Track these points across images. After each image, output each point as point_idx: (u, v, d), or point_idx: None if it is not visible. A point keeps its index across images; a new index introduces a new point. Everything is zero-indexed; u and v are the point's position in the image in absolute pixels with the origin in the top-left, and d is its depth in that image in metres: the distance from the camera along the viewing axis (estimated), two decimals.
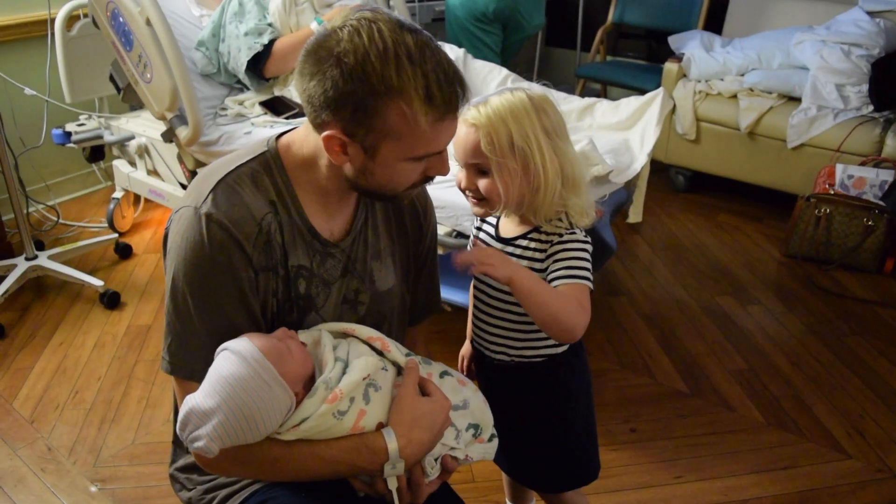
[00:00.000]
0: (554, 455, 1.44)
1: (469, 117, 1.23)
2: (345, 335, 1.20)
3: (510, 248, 1.32)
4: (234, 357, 1.03)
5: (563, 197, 1.26)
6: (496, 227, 1.38)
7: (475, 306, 1.43)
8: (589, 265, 1.26)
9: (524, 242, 1.31)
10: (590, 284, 1.25)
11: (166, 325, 1.14)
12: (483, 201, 1.28)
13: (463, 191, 1.31)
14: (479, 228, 1.43)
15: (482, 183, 1.26)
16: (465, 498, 1.34)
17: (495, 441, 1.25)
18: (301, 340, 1.14)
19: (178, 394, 1.15)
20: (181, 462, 1.34)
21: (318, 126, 1.07)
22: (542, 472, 1.48)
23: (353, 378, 1.09)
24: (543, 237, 1.29)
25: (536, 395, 1.40)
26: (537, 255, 1.29)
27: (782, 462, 2.12)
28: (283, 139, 1.19)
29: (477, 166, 1.25)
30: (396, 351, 1.19)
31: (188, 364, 1.12)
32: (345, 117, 1.03)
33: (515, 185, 1.23)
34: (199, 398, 1.01)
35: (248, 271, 1.12)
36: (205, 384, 1.03)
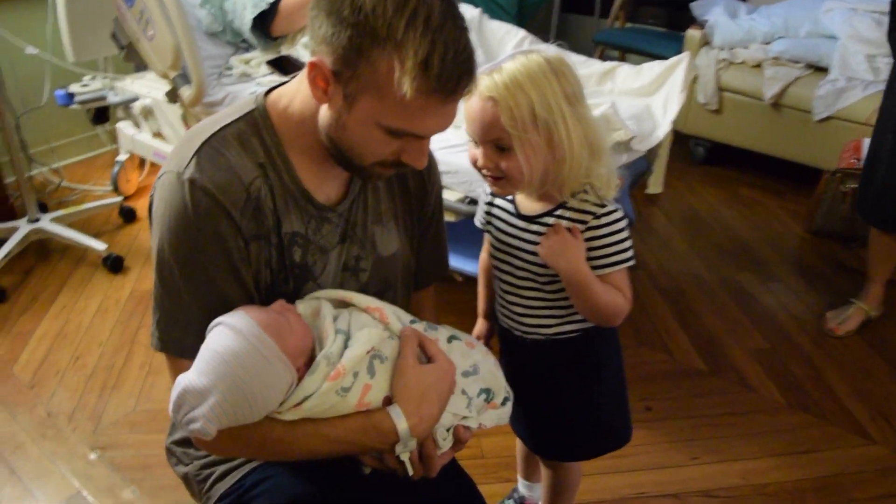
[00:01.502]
0: (585, 423, 1.39)
1: (483, 88, 1.12)
2: (344, 304, 1.12)
3: (535, 227, 1.24)
4: (229, 332, 0.96)
5: (589, 168, 1.17)
6: (514, 202, 1.29)
7: (500, 287, 1.35)
8: (629, 243, 1.20)
9: (552, 221, 1.22)
10: (631, 263, 1.19)
11: (154, 299, 1.07)
12: (502, 180, 1.19)
13: (479, 169, 1.21)
14: (490, 203, 1.34)
15: (502, 160, 1.16)
16: (475, 475, 1.29)
17: (509, 405, 1.18)
18: (299, 312, 1.07)
19: (169, 372, 1.08)
20: (178, 436, 1.28)
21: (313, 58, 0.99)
22: (571, 442, 1.42)
23: (356, 352, 1.01)
24: (574, 215, 1.20)
25: (569, 367, 1.35)
26: None
27: (803, 446, 2.04)
28: (273, 94, 1.11)
29: (495, 142, 1.15)
30: (396, 321, 1.11)
31: (179, 340, 1.05)
32: (336, 51, 0.94)
33: (539, 160, 1.14)
34: (193, 377, 0.94)
35: (238, 240, 1.04)
36: (198, 362, 0.96)
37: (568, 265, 1.17)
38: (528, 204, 1.26)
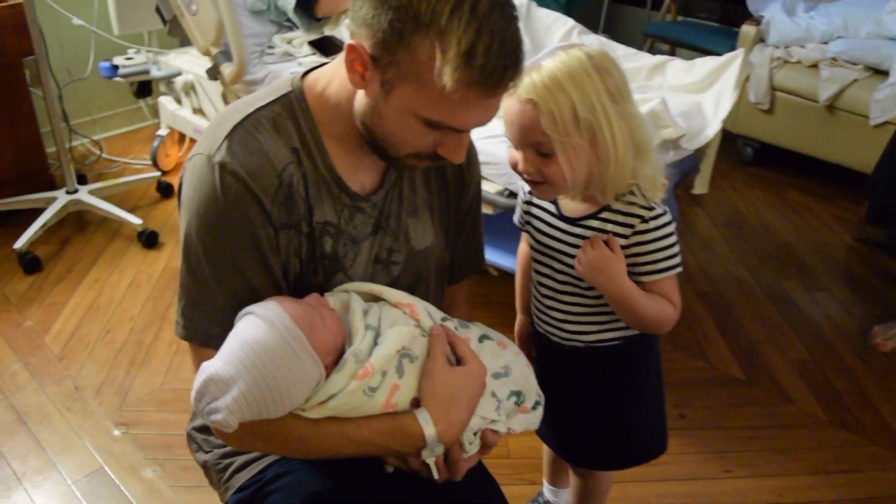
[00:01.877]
0: (621, 432, 1.35)
1: (521, 90, 1.06)
2: (375, 298, 1.08)
3: (578, 230, 1.18)
4: (260, 322, 0.92)
5: (635, 168, 1.11)
6: (556, 202, 1.23)
7: (539, 291, 1.29)
8: (677, 248, 1.14)
9: (596, 224, 1.16)
10: (679, 270, 1.14)
11: (180, 285, 1.03)
12: (543, 185, 1.13)
13: (519, 173, 1.15)
14: (530, 203, 1.28)
15: (544, 166, 1.10)
16: (499, 475, 1.24)
17: (540, 409, 1.13)
18: (330, 305, 1.03)
19: (193, 361, 1.05)
20: (199, 422, 1.26)
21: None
22: (606, 451, 1.38)
23: (386, 351, 0.98)
24: (620, 218, 1.14)
25: (608, 375, 1.30)
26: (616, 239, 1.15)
27: (843, 465, 1.96)
28: (310, 76, 1.06)
29: (536, 147, 1.09)
30: (427, 318, 1.07)
31: (204, 329, 1.02)
32: (376, 35, 0.89)
33: (583, 163, 1.08)
34: (219, 365, 0.91)
35: (267, 228, 1.00)
36: (224, 350, 0.92)
37: (609, 283, 1.13)
38: (571, 205, 1.20)
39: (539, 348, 1.35)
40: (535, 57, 1.09)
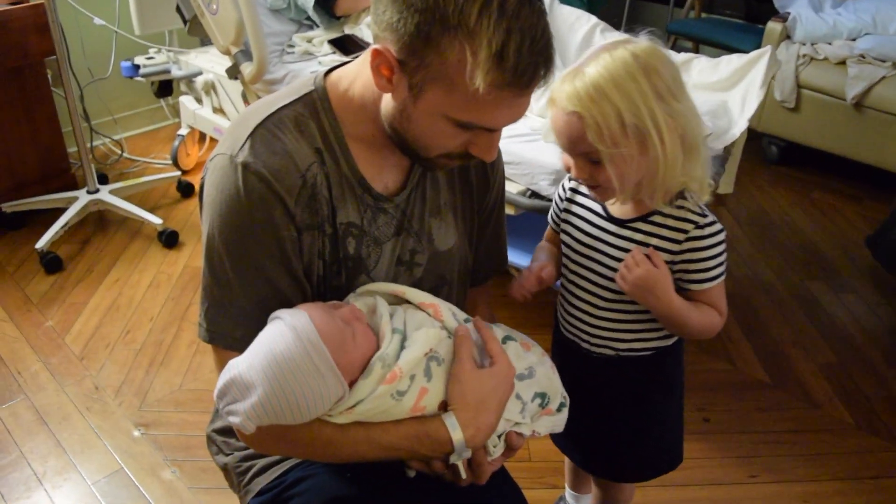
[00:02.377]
0: (646, 444, 1.32)
1: (565, 100, 1.02)
2: (398, 299, 1.06)
3: (627, 232, 1.15)
4: (288, 333, 0.90)
5: (685, 167, 1.07)
6: (603, 203, 1.19)
7: (572, 295, 1.26)
8: (725, 256, 1.11)
9: (647, 227, 1.13)
10: (724, 276, 1.12)
11: (202, 288, 1.02)
12: (598, 188, 1.11)
13: (574, 179, 1.14)
14: (571, 201, 1.24)
15: (595, 172, 1.07)
16: (521, 479, 1.23)
17: (565, 411, 1.11)
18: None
19: (216, 363, 1.04)
20: (220, 424, 1.25)
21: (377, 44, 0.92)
22: (629, 463, 1.35)
23: (414, 355, 0.96)
24: (671, 223, 1.11)
25: (639, 386, 1.26)
26: (667, 244, 1.11)
27: (871, 471, 1.92)
28: (333, 75, 1.05)
29: (586, 156, 1.07)
30: (451, 319, 1.05)
31: (228, 332, 1.00)
32: (403, 38, 0.87)
33: (633, 170, 1.05)
34: (244, 368, 0.90)
35: (291, 230, 0.99)
36: (251, 354, 0.91)
37: (657, 301, 1.10)
38: (619, 206, 1.17)
39: (563, 356, 1.30)
40: (579, 59, 1.06)
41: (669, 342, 1.24)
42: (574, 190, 1.24)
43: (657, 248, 1.11)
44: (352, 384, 0.94)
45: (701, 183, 1.09)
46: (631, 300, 1.16)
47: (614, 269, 1.15)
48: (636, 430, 1.30)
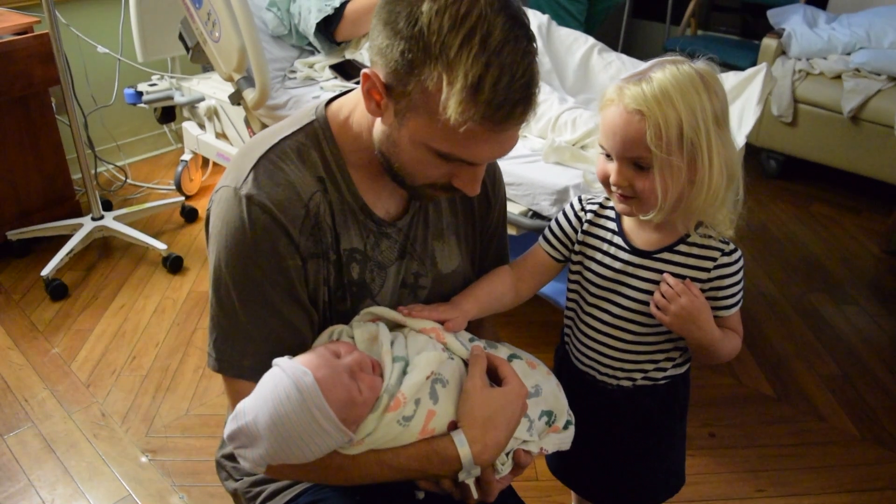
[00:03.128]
0: (656, 471, 1.32)
1: (629, 98, 1.01)
2: (399, 325, 1.08)
3: (654, 264, 1.12)
4: (292, 390, 0.88)
5: (725, 198, 1.06)
6: (622, 233, 1.16)
7: (588, 328, 1.22)
8: (743, 283, 1.13)
9: (674, 258, 1.11)
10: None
11: (210, 318, 1.03)
12: (632, 199, 1.07)
13: (607, 184, 1.10)
14: (587, 233, 1.20)
15: (637, 180, 1.04)
16: (527, 497, 1.23)
17: (571, 429, 1.13)
18: (355, 337, 1.02)
19: (227, 393, 1.05)
20: (228, 449, 1.24)
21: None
22: (634, 493, 1.34)
23: (416, 379, 0.97)
24: (698, 251, 1.10)
25: (653, 415, 1.25)
26: (697, 273, 1.10)
27: (879, 482, 1.92)
28: (334, 105, 1.07)
29: (635, 160, 1.03)
30: (455, 341, 1.06)
31: (236, 362, 1.02)
32: (390, 64, 0.89)
33: (678, 184, 1.02)
34: (250, 417, 0.90)
35: (296, 259, 1.00)
36: (258, 405, 0.90)
37: (700, 332, 1.09)
38: (641, 235, 1.14)
39: (575, 387, 1.23)
40: (642, 67, 1.05)
41: (683, 370, 1.23)
42: (596, 213, 1.20)
43: (685, 277, 1.10)
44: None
45: (726, 217, 1.08)
46: (659, 332, 1.15)
47: (642, 303, 1.13)
48: (646, 459, 1.29)
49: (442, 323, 1.10)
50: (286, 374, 0.91)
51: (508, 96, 0.86)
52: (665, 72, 1.01)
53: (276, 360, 0.94)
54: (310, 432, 0.89)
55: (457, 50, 0.84)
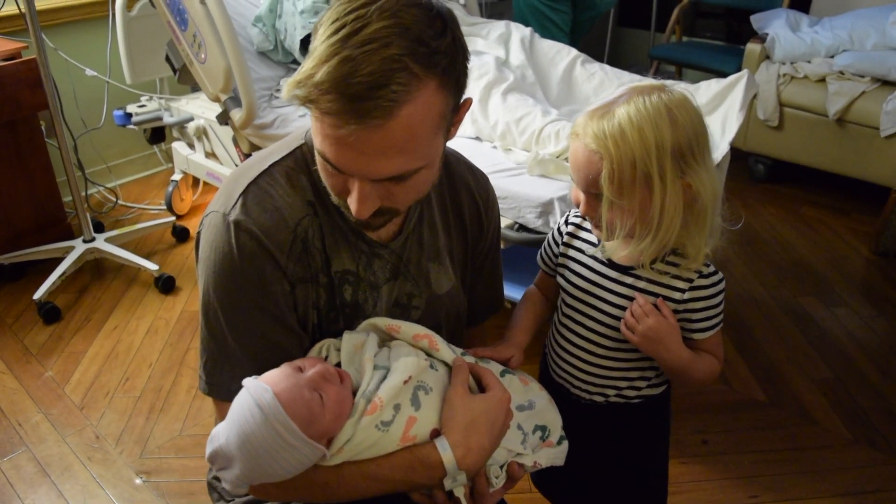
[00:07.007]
0: (636, 490, 1.31)
1: (590, 138, 1.02)
2: (390, 337, 1.08)
3: (629, 280, 1.13)
4: (257, 413, 0.90)
5: (688, 232, 1.06)
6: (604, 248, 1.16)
7: (565, 341, 1.23)
8: (724, 303, 1.12)
9: (650, 275, 1.11)
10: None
11: (200, 341, 1.05)
12: (599, 228, 1.10)
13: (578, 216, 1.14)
14: (569, 245, 1.22)
15: (603, 211, 1.05)
16: None
17: (565, 444, 1.13)
18: (343, 347, 1.03)
19: (217, 414, 1.07)
20: None
21: None
22: None
23: (393, 383, 0.97)
24: (674, 270, 1.09)
25: (629, 434, 1.25)
26: (671, 293, 1.10)
27: (872, 484, 1.93)
28: None
29: (597, 195, 1.05)
30: (446, 349, 1.07)
31: (225, 385, 1.03)
32: None
33: (629, 220, 1.04)
34: (223, 439, 0.92)
35: (283, 284, 1.01)
36: (228, 427, 0.92)
37: (668, 353, 1.09)
38: (621, 251, 1.13)
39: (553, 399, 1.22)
40: (614, 95, 1.05)
41: (659, 391, 1.23)
42: (577, 226, 1.22)
43: (657, 295, 1.10)
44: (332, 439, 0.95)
45: (698, 250, 1.07)
46: (631, 349, 1.15)
47: (615, 317, 1.14)
48: (622, 476, 1.29)
49: (505, 363, 1.15)
50: (249, 392, 0.92)
51: (326, 78, 0.81)
52: (630, 106, 1.00)
53: (244, 381, 0.95)
54: (277, 448, 0.90)
55: (321, 41, 0.84)
